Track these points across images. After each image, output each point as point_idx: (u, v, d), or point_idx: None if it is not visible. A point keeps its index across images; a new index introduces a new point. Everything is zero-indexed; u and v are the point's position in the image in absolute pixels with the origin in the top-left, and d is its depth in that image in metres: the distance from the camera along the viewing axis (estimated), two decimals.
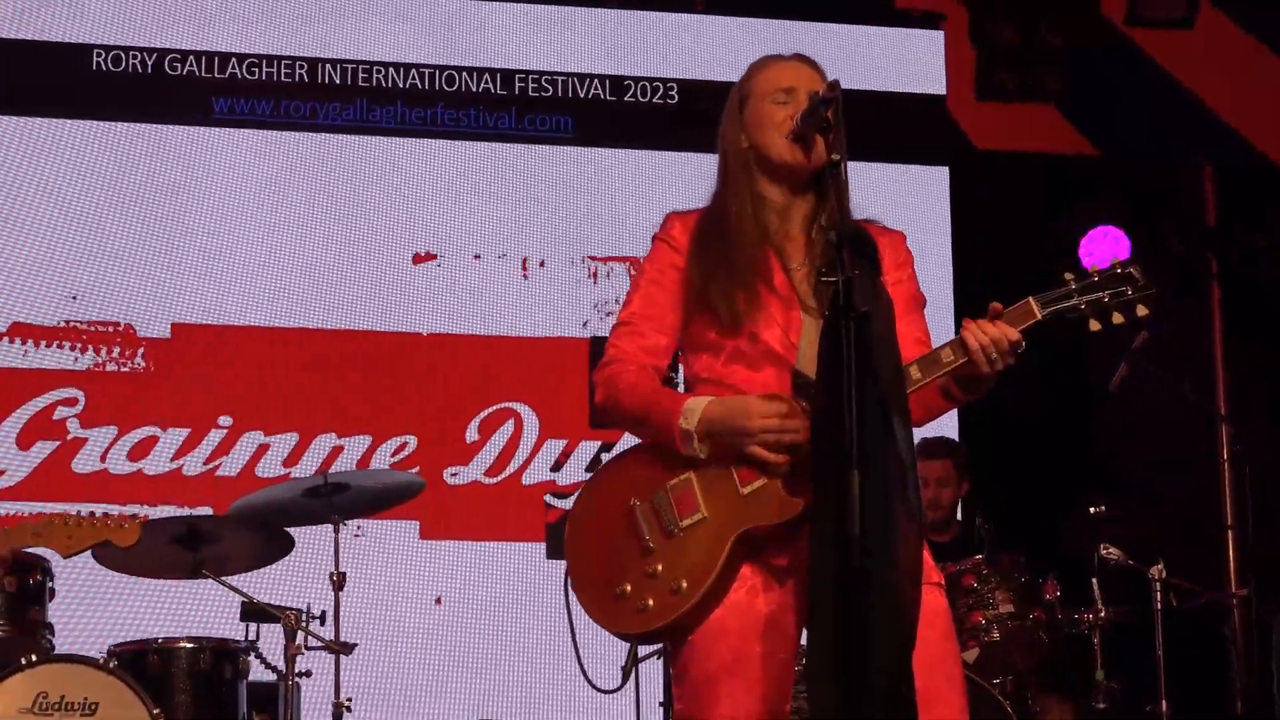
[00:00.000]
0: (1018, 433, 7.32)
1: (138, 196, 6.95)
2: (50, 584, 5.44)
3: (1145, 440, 7.56)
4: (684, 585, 3.15)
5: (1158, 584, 5.94)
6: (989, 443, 7.03)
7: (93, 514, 4.48)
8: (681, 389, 3.41)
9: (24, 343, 6.77)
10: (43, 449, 6.73)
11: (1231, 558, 7.74)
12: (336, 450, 6.94)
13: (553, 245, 7.28)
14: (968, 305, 3.22)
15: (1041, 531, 6.39)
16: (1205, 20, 8.05)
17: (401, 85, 7.26)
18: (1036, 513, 6.75)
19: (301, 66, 7.20)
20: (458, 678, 6.82)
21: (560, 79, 7.40)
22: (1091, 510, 6.12)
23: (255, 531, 5.63)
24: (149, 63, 7.05)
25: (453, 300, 7.16)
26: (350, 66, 7.24)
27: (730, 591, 3.18)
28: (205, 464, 6.84)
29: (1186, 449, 7.67)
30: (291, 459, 6.90)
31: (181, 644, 5.40)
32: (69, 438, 6.75)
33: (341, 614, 5.51)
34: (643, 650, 5.26)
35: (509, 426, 7.11)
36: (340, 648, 5.45)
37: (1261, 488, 6.95)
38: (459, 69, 7.33)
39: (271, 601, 5.46)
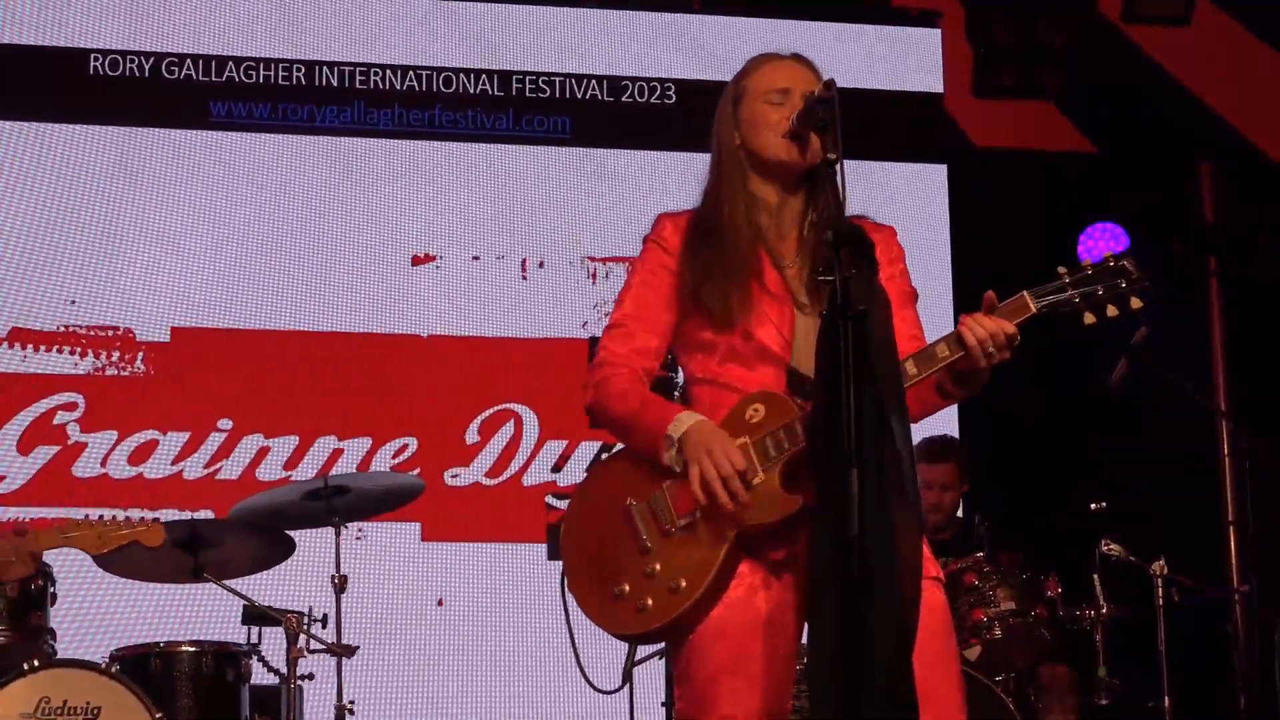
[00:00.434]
0: (1018, 430, 7.32)
1: (136, 200, 6.96)
2: (52, 589, 5.45)
3: (1146, 437, 7.56)
4: (683, 584, 3.15)
5: (1159, 580, 5.94)
6: (989, 440, 7.03)
7: (115, 517, 4.48)
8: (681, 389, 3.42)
9: (24, 347, 6.77)
10: (43, 454, 6.73)
11: (1233, 554, 7.73)
12: (337, 453, 6.94)
13: (551, 246, 7.28)
14: (966, 303, 3.22)
15: (1041, 529, 6.39)
16: (1202, 17, 8.05)
17: (399, 87, 7.26)
18: (1036, 510, 6.76)
19: (299, 69, 7.20)
20: (460, 679, 6.82)
21: (558, 80, 7.40)
22: (1092, 507, 6.12)
23: (256, 535, 5.62)
24: (147, 66, 7.06)
25: (452, 302, 7.16)
26: (348, 69, 7.24)
27: (729, 589, 3.18)
28: (206, 467, 6.84)
29: (1187, 445, 7.67)
30: (292, 462, 6.90)
31: (183, 648, 5.40)
32: (69, 442, 6.75)
33: (343, 617, 5.50)
34: (644, 650, 5.27)
35: (509, 428, 7.11)
36: (342, 650, 5.45)
37: (1262, 484, 6.95)
38: (456, 70, 7.33)
39: (273, 605, 5.45)
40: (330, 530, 5.58)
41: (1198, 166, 8.17)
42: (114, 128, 6.99)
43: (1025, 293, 3.16)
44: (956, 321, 3.15)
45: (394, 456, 6.97)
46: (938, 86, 7.75)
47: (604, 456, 3.32)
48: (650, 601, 3.17)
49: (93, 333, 6.84)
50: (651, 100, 7.45)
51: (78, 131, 6.95)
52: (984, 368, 3.13)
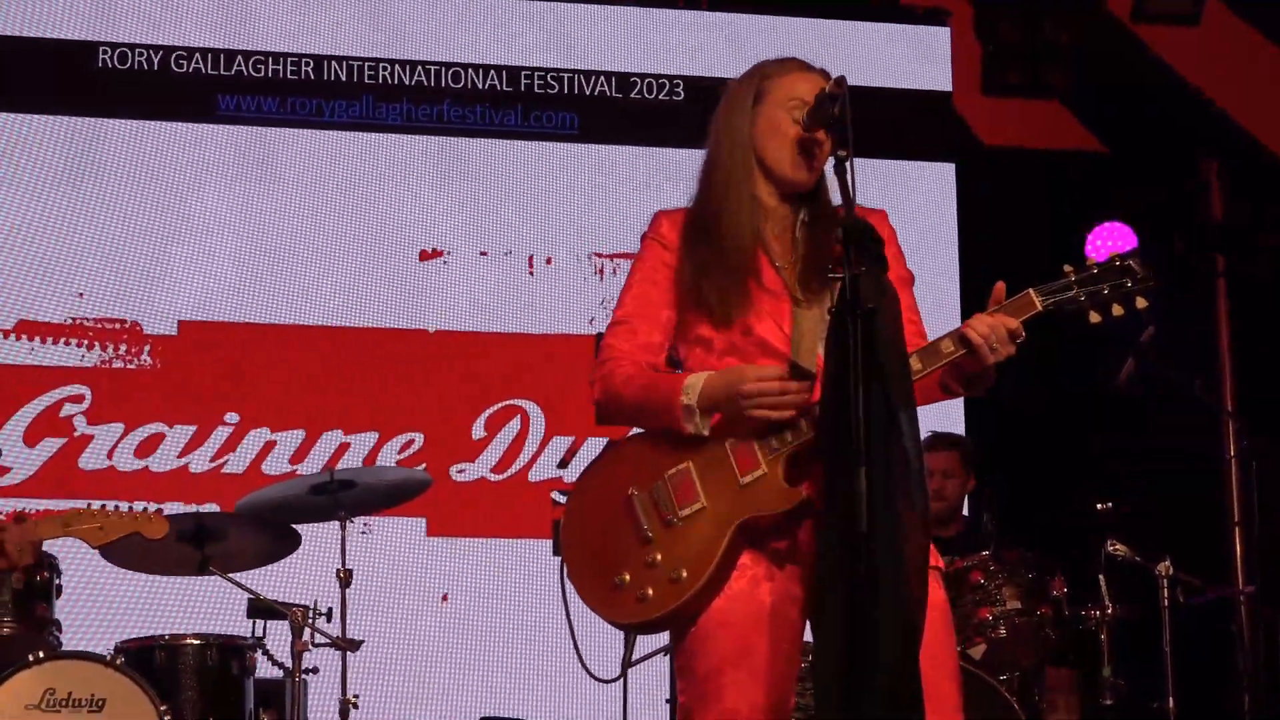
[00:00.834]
0: (1023, 429, 7.31)
1: (144, 193, 6.96)
2: (57, 580, 5.46)
3: (1151, 436, 7.56)
4: (684, 574, 3.15)
5: (1165, 580, 5.93)
6: (995, 439, 7.02)
7: (118, 507, 4.47)
8: None
9: (30, 340, 6.78)
10: (49, 446, 6.74)
11: (1238, 554, 7.72)
12: (343, 447, 6.95)
13: (559, 242, 7.28)
14: (974, 301, 3.22)
15: (1047, 528, 6.38)
16: (1211, 16, 8.04)
17: (407, 82, 7.26)
18: (1043, 509, 6.75)
19: (307, 64, 7.21)
20: (464, 674, 6.83)
21: (566, 76, 7.40)
22: (1099, 507, 6.11)
23: (262, 528, 5.63)
24: (154, 60, 7.06)
25: (459, 297, 7.16)
26: (356, 64, 7.24)
27: (731, 581, 3.18)
28: (212, 461, 6.85)
29: (1192, 445, 7.66)
30: (298, 456, 6.90)
31: (188, 641, 5.41)
32: (76, 434, 6.76)
33: (348, 611, 5.50)
34: (650, 648, 5.28)
35: (515, 423, 7.11)
36: (347, 644, 5.45)
37: (1268, 484, 6.95)
38: (464, 66, 7.33)
39: (278, 598, 5.45)
40: (336, 524, 5.58)
41: (1204, 166, 8.17)
42: (121, 121, 6.99)
43: (1031, 290, 3.16)
44: (964, 320, 3.15)
45: (400, 451, 6.98)
46: (946, 85, 7.75)
47: (608, 447, 3.31)
48: (651, 591, 3.17)
49: (100, 325, 6.85)
50: (660, 97, 7.45)
51: (85, 125, 6.96)
52: (989, 366, 3.13)
